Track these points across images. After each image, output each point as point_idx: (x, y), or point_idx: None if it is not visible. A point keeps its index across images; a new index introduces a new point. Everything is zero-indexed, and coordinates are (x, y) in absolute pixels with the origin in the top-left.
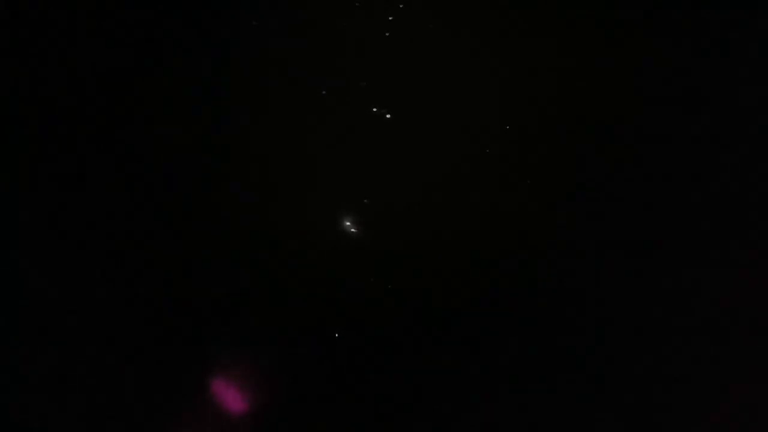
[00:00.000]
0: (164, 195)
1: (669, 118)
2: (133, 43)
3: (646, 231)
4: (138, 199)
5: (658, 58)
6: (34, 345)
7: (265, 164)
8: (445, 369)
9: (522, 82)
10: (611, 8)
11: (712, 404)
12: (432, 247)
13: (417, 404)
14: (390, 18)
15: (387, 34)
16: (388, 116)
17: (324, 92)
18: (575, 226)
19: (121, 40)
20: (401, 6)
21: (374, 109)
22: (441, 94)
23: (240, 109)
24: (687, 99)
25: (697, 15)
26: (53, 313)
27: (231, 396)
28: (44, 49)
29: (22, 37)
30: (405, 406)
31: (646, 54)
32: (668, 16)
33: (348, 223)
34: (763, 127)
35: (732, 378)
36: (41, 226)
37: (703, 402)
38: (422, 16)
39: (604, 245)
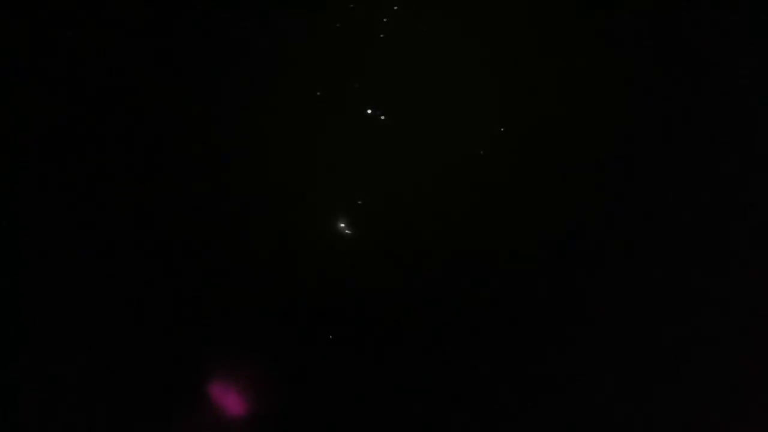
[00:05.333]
0: (160, 196)
1: (665, 119)
2: (131, 44)
3: (642, 231)
4: (134, 200)
5: (654, 58)
6: (34, 346)
7: (260, 166)
8: (440, 368)
9: (517, 84)
10: (606, 9)
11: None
12: (427, 247)
13: (413, 404)
14: (384, 20)
15: (382, 35)
16: (382, 118)
17: (319, 94)
18: (570, 227)
19: (118, 41)
20: (396, 8)
21: (369, 111)
22: (436, 96)
23: (235, 110)
24: (684, 100)
25: (694, 15)
26: (54, 313)
27: (226, 398)
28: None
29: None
30: (401, 406)
31: (642, 55)
32: (665, 16)
33: (342, 225)
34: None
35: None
36: (42, 227)
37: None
38: (417, 17)
39: (599, 246)
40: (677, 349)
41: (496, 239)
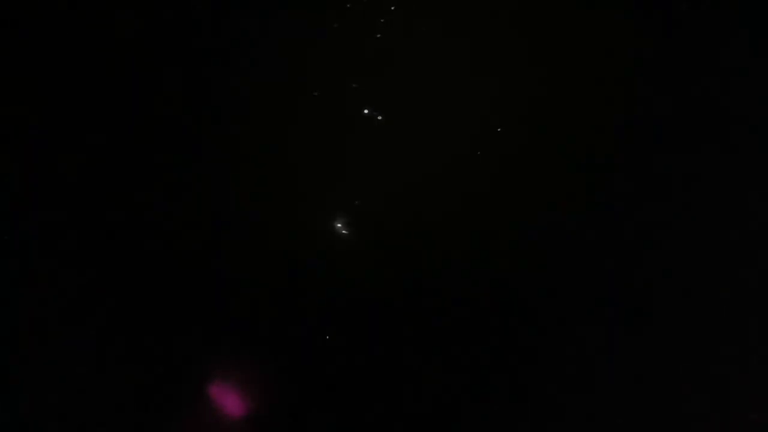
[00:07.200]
0: (157, 196)
1: (662, 119)
2: (128, 44)
3: (642, 231)
4: (132, 200)
5: (651, 58)
6: (35, 346)
7: (257, 166)
8: (439, 368)
9: (514, 85)
10: (605, 9)
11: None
12: (423, 248)
13: (410, 404)
14: (382, 20)
15: (378, 35)
16: (379, 118)
17: (316, 94)
18: (569, 226)
19: (116, 41)
20: (393, 8)
21: (366, 111)
22: (433, 96)
23: (231, 110)
24: (681, 100)
25: (690, 15)
26: (54, 313)
27: (226, 398)
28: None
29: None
30: (398, 406)
31: (638, 55)
32: (662, 16)
33: (339, 225)
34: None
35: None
36: (42, 227)
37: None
38: (414, 18)
39: (599, 246)
40: (677, 350)
41: (493, 239)
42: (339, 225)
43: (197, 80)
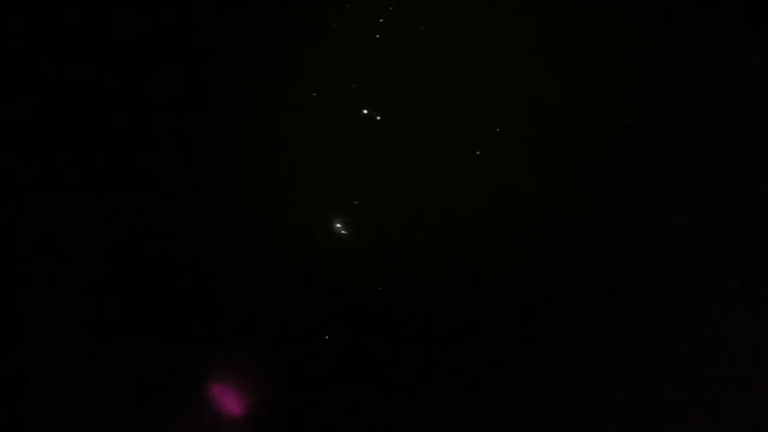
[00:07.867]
0: (157, 196)
1: (662, 119)
2: (128, 44)
3: (642, 233)
4: (133, 200)
5: (650, 58)
6: (34, 346)
7: (256, 166)
8: (436, 368)
9: (513, 84)
10: (605, 9)
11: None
12: (422, 248)
13: (409, 404)
14: (381, 20)
15: (377, 36)
16: (378, 118)
17: (315, 94)
18: (569, 227)
19: (116, 41)
20: (391, 8)
21: (365, 111)
22: (431, 96)
23: (230, 110)
24: (682, 99)
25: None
26: (54, 313)
27: (225, 398)
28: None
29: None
30: (397, 405)
31: (638, 54)
32: (661, 16)
33: (338, 225)
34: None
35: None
36: (42, 227)
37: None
38: (413, 18)
39: (598, 247)
40: (678, 351)
41: (492, 240)
42: (338, 225)
43: (197, 80)
